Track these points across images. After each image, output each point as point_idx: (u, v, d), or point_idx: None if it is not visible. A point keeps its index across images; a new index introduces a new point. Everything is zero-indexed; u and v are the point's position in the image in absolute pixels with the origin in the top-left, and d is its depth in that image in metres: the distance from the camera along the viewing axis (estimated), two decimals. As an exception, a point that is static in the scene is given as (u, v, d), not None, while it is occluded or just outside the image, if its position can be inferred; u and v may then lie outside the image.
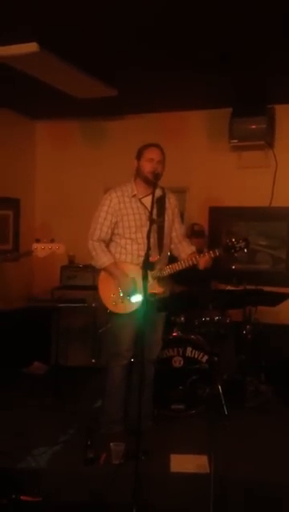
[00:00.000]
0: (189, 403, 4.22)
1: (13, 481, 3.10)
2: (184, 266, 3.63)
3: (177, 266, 3.64)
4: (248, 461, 3.43)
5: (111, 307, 3.69)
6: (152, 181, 3.48)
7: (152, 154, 3.60)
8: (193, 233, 5.04)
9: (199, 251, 4.52)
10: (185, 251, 3.81)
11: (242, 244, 3.52)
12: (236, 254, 3.59)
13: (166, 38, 3.73)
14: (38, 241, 3.88)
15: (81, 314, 5.43)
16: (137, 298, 3.59)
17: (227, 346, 4.73)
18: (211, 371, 4.19)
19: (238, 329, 4.73)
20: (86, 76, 4.38)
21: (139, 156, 3.64)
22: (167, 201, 3.75)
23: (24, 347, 5.30)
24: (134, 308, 3.60)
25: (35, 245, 3.87)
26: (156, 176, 3.52)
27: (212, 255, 3.57)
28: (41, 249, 3.84)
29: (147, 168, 3.56)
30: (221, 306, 4.41)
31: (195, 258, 3.60)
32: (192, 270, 3.67)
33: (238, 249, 3.52)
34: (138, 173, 3.65)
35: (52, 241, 3.90)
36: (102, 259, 3.65)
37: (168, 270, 3.62)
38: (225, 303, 4.31)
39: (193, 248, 3.86)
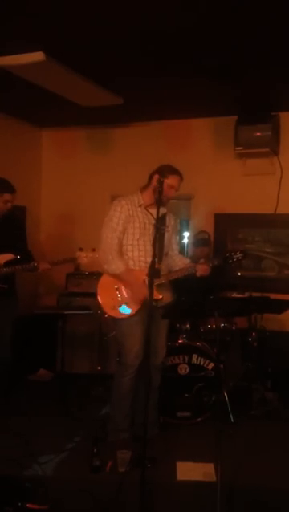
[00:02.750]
0: (195, 410, 4.21)
1: (19, 489, 3.10)
2: (182, 274, 3.73)
3: (175, 274, 3.74)
4: (255, 468, 3.42)
5: (109, 312, 3.73)
6: (162, 203, 3.49)
7: (175, 183, 3.66)
8: (197, 242, 5.06)
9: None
10: (183, 262, 3.91)
11: (239, 255, 3.73)
12: (233, 265, 3.79)
13: (172, 47, 3.75)
14: (81, 249, 4.07)
15: (86, 322, 5.43)
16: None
17: (233, 353, 4.72)
18: (217, 379, 4.19)
19: (243, 336, 4.72)
20: (91, 85, 4.40)
21: (162, 175, 3.54)
22: (167, 219, 3.84)
23: (29, 355, 5.31)
24: (132, 313, 3.64)
25: (79, 253, 4.08)
26: (169, 200, 3.68)
27: (210, 264, 3.70)
28: (83, 256, 4.04)
29: (166, 192, 3.56)
30: (227, 313, 4.41)
31: (193, 265, 3.73)
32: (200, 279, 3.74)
33: (234, 259, 3.72)
34: (153, 189, 3.65)
35: (93, 250, 4.04)
36: (116, 264, 3.66)
37: (165, 277, 3.70)
38: (231, 310, 4.29)
39: (188, 260, 3.97)
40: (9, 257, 4.22)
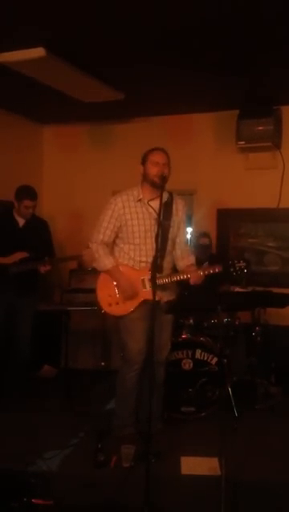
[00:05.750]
0: (199, 405, 4.22)
1: (24, 485, 3.11)
2: (176, 280, 3.66)
3: (170, 278, 3.64)
4: (259, 462, 3.43)
5: (105, 309, 3.72)
6: (159, 184, 3.48)
7: (158, 157, 3.59)
8: (197, 248, 5.01)
9: (201, 262, 4.45)
10: (184, 262, 3.79)
11: (242, 265, 3.57)
12: (234, 274, 3.61)
13: (173, 41, 3.74)
14: (88, 247, 4.10)
15: (90, 318, 5.44)
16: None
17: (236, 348, 4.72)
18: (221, 374, 4.19)
19: (247, 331, 4.72)
20: (92, 80, 4.40)
21: (144, 160, 3.63)
22: (174, 206, 3.72)
23: (34, 351, 5.32)
24: (129, 311, 3.63)
25: (85, 251, 4.18)
26: (164, 178, 3.50)
27: (206, 272, 3.59)
28: (89, 255, 4.06)
29: (153, 171, 3.55)
30: (230, 308, 4.41)
31: (188, 273, 3.63)
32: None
33: (237, 268, 3.56)
34: (145, 178, 3.63)
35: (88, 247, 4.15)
36: (104, 262, 3.66)
37: (161, 280, 3.56)
38: (234, 305, 4.30)
39: (193, 259, 3.83)
40: (23, 255, 4.45)
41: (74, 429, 4.00)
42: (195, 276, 3.59)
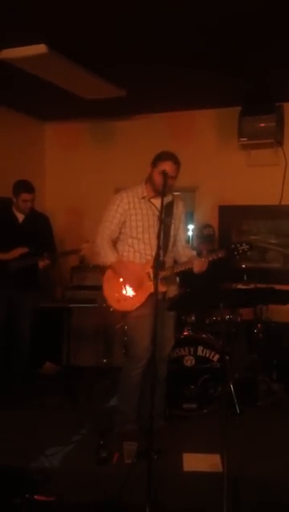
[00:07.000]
0: (201, 402, 4.22)
1: (26, 481, 3.12)
2: (180, 270, 3.68)
3: (177, 268, 3.68)
4: (261, 459, 3.43)
5: (115, 306, 3.73)
6: (161, 194, 3.43)
7: (168, 169, 3.48)
8: (202, 238, 5.03)
9: None
10: (186, 255, 3.84)
11: (245, 247, 3.60)
12: (238, 257, 3.66)
13: (174, 38, 3.73)
14: (87, 241, 4.27)
15: (92, 315, 5.44)
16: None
17: (238, 345, 4.73)
18: (223, 371, 4.19)
19: (249, 328, 4.72)
20: (94, 77, 4.39)
21: (155, 164, 3.56)
22: (175, 206, 3.77)
23: (35, 348, 5.33)
24: (137, 305, 3.63)
25: (84, 245, 4.31)
26: (168, 189, 3.53)
27: (209, 258, 3.60)
28: (87, 248, 4.25)
29: (159, 181, 3.49)
30: (232, 305, 4.39)
31: (191, 262, 3.65)
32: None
33: (240, 251, 3.59)
34: (151, 180, 3.62)
35: (87, 241, 4.36)
36: (108, 256, 3.69)
37: (169, 270, 3.63)
38: (236, 302, 4.28)
39: (193, 252, 3.88)
40: (23, 250, 4.44)
41: (76, 426, 4.00)
42: (199, 264, 3.59)
